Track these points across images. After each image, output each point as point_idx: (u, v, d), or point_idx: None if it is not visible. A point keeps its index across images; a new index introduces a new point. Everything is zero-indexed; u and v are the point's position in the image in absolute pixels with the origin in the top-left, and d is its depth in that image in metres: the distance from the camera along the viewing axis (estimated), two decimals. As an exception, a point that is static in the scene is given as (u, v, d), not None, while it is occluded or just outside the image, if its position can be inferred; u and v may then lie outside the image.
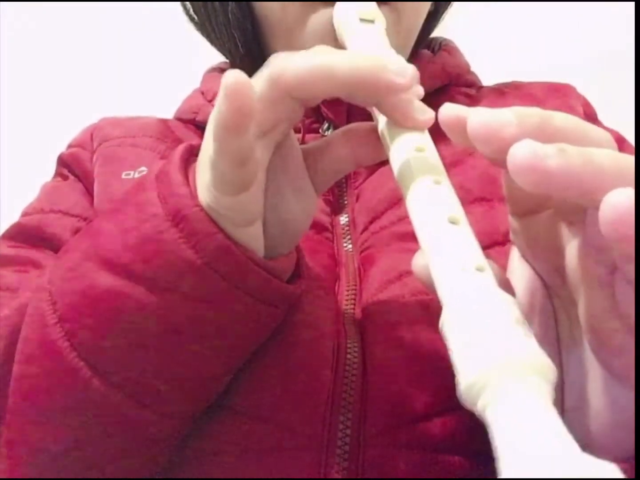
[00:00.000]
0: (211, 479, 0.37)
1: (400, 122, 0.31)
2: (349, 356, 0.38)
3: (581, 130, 0.24)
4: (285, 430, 0.37)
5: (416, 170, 0.28)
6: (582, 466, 0.18)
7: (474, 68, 0.60)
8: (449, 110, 0.26)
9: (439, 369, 0.38)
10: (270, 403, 0.38)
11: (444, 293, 0.25)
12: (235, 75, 0.26)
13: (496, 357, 0.21)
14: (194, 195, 0.31)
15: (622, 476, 0.18)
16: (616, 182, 0.20)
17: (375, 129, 0.33)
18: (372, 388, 0.38)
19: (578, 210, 0.25)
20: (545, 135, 0.23)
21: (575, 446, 0.19)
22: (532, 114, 0.24)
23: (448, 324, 0.24)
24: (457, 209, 0.27)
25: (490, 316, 0.23)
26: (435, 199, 0.27)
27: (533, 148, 0.21)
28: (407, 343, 0.39)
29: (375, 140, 0.33)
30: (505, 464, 0.20)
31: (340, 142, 0.35)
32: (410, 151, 0.29)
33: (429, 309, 0.40)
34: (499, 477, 0.19)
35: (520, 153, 0.21)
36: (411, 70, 0.29)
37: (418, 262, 0.29)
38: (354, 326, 0.40)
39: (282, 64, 0.29)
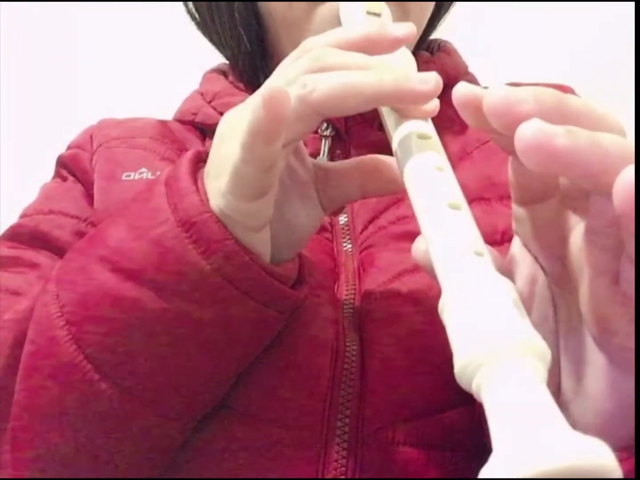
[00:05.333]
0: (211, 479, 0.37)
1: (407, 113, 0.31)
2: (347, 354, 0.39)
3: (595, 114, 0.24)
4: (284, 428, 0.37)
5: (418, 158, 0.29)
6: (573, 444, 0.18)
7: (471, 69, 0.61)
8: (464, 89, 0.26)
9: (437, 367, 0.38)
10: (269, 402, 0.38)
11: (443, 277, 0.25)
12: (274, 85, 0.27)
13: (491, 337, 0.21)
14: (204, 201, 0.32)
15: (611, 454, 0.18)
16: (622, 167, 0.20)
17: (388, 164, 0.34)
18: (371, 386, 0.38)
19: (583, 196, 0.25)
20: (560, 116, 0.23)
21: (566, 425, 0.19)
22: (549, 93, 0.24)
23: (446, 307, 0.24)
24: (457, 195, 0.27)
25: (486, 298, 0.23)
26: (436, 184, 0.28)
27: (541, 127, 0.21)
28: (406, 342, 0.39)
29: (386, 174, 0.34)
30: (497, 441, 0.20)
31: (352, 174, 0.36)
32: (413, 139, 0.30)
33: (427, 307, 0.40)
34: (492, 452, 0.19)
35: (528, 131, 0.21)
36: (434, 76, 0.30)
37: (418, 247, 0.29)
38: (353, 324, 0.41)
39: (312, 82, 0.30)
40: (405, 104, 0.31)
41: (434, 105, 0.31)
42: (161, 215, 0.33)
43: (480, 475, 0.19)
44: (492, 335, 0.21)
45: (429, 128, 0.31)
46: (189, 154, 0.35)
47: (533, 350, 0.21)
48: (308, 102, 0.30)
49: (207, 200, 0.32)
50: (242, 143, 0.29)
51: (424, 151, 0.29)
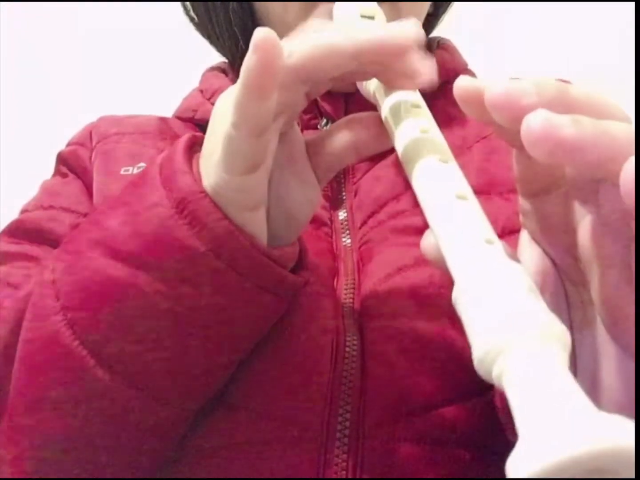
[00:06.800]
0: (211, 478, 0.37)
1: (397, 84, 0.31)
2: (347, 349, 0.39)
3: (598, 103, 0.24)
4: (284, 424, 0.37)
5: (422, 150, 0.29)
6: (601, 424, 0.18)
7: (471, 66, 0.61)
8: (465, 83, 0.26)
9: (437, 361, 0.38)
10: (269, 397, 0.38)
11: (455, 267, 0.25)
12: (265, 31, 0.26)
13: (508, 324, 0.21)
14: (197, 181, 0.32)
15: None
16: (630, 154, 0.20)
17: (376, 118, 0.33)
18: (371, 381, 0.38)
19: (591, 187, 0.25)
20: (563, 106, 0.23)
21: (592, 407, 0.19)
22: (551, 84, 0.24)
23: (460, 297, 0.24)
24: (464, 185, 0.27)
25: (501, 285, 0.23)
26: (442, 175, 0.27)
27: (547, 117, 0.21)
28: (406, 336, 0.39)
29: (377, 128, 0.33)
30: (522, 427, 0.19)
31: (342, 133, 0.35)
32: (415, 133, 0.30)
33: (427, 302, 0.40)
34: (517, 440, 0.19)
35: (535, 122, 0.21)
36: (412, 22, 0.29)
37: (427, 240, 0.29)
38: (353, 320, 0.41)
39: (289, 49, 0.29)
40: (385, 55, 0.30)
41: (422, 74, 0.31)
42: (155, 197, 0.32)
43: (508, 463, 0.19)
44: (509, 321, 0.21)
45: (430, 123, 0.30)
46: (184, 138, 0.35)
47: (552, 334, 0.21)
48: (288, 68, 0.29)
49: (201, 180, 0.32)
50: (235, 102, 0.28)
51: (426, 145, 0.29)
